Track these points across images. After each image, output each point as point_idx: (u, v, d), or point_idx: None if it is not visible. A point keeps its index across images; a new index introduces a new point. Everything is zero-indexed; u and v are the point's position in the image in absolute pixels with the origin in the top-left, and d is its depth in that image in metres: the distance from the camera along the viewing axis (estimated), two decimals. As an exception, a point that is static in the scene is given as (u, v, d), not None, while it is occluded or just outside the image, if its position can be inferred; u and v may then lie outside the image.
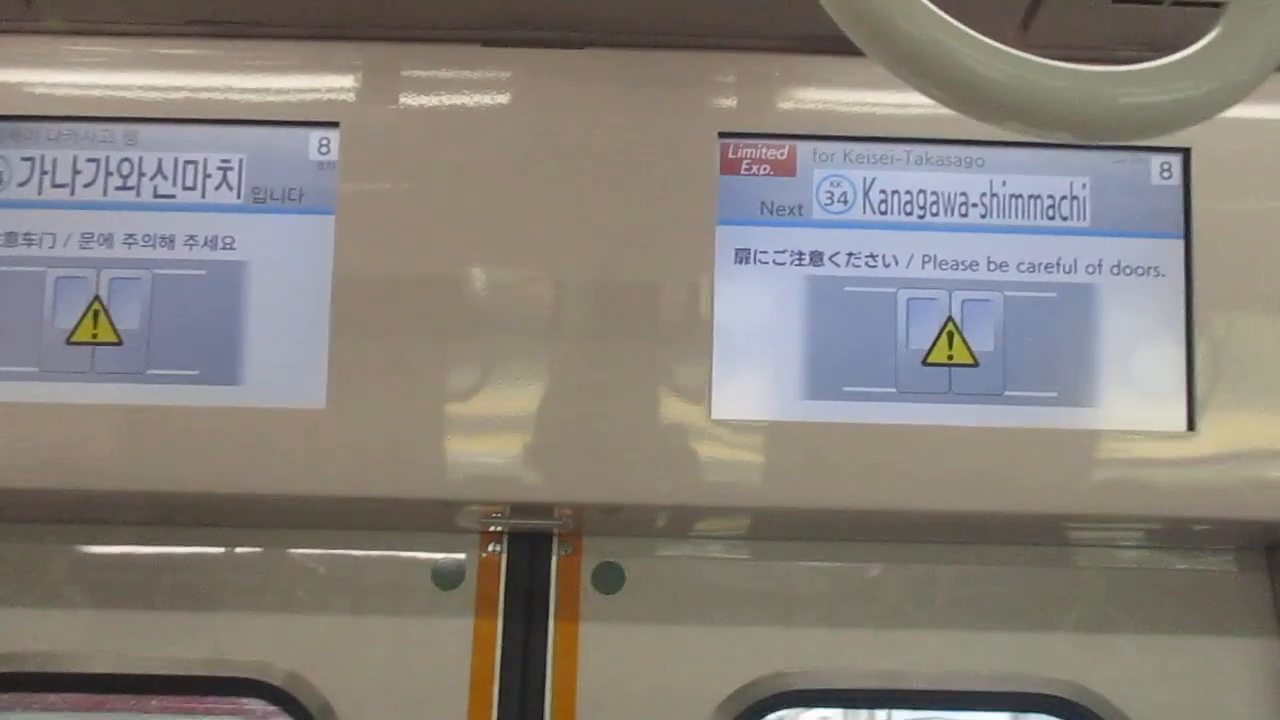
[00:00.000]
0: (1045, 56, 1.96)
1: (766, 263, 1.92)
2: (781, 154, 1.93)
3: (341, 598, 2.04)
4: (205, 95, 1.92)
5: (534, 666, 1.99)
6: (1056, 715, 2.06)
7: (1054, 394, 1.90)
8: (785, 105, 1.95)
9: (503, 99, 1.94)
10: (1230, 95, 1.03)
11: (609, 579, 2.04)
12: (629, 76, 1.94)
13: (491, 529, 2.04)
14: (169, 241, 1.91)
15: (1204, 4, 1.83)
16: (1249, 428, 1.90)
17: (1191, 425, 1.89)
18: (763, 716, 2.04)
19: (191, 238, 1.91)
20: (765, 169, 1.93)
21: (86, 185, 1.92)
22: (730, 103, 1.95)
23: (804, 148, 1.93)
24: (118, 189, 1.92)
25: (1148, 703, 2.01)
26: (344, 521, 2.02)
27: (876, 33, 1.00)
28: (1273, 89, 1.95)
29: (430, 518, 2.00)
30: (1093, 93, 1.02)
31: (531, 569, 2.04)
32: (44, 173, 1.92)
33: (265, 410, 1.85)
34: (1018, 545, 2.07)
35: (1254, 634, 2.04)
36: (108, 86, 1.93)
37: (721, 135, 1.92)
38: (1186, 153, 1.93)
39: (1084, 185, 1.94)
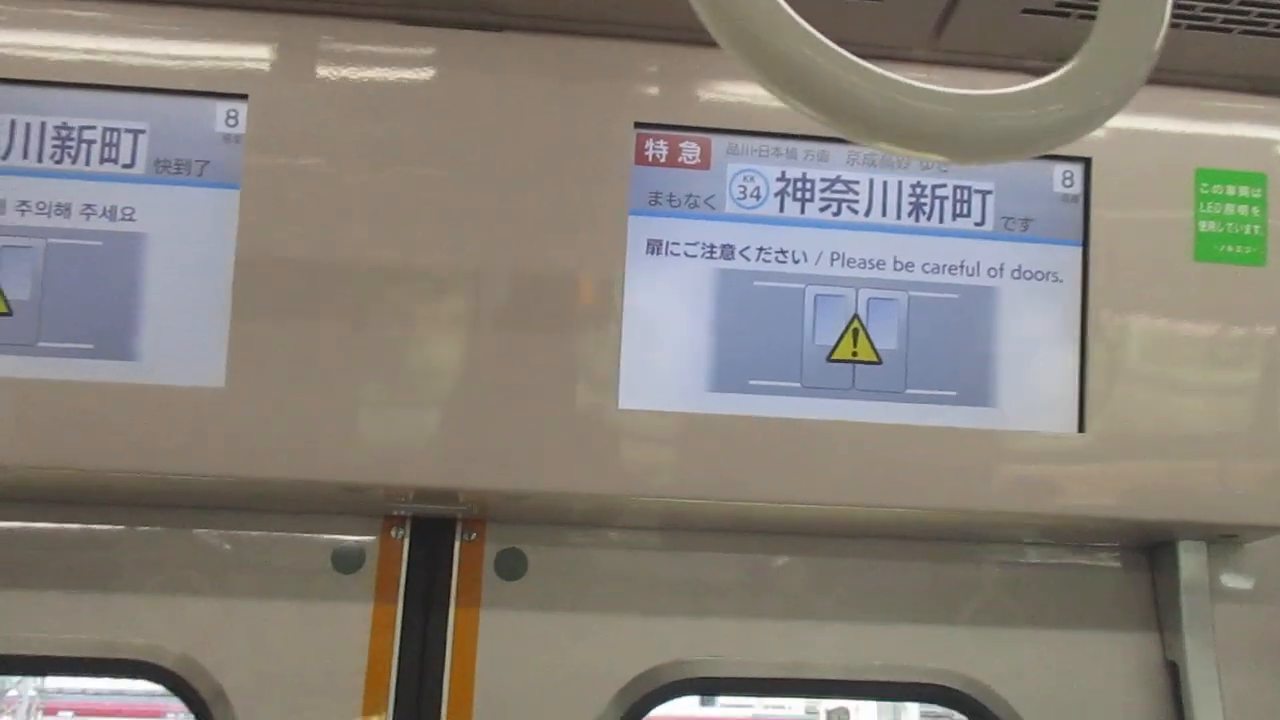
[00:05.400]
0: (957, 64, 2.02)
1: (678, 254, 1.92)
2: (696, 147, 1.94)
3: (238, 579, 2.00)
4: (110, 60, 1.86)
5: (432, 652, 1.98)
6: (947, 705, 2.13)
7: (954, 393, 1.95)
8: (702, 98, 1.95)
9: (418, 79, 1.91)
10: (1094, 119, 1.07)
11: (512, 565, 2.04)
12: (547, 62, 1.92)
13: (394, 513, 2.02)
14: (65, 210, 1.85)
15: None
16: (1135, 432, 1.96)
17: (1082, 427, 1.95)
18: (660, 704, 2.06)
19: (89, 207, 1.85)
20: (680, 161, 1.94)
21: None
22: (647, 94, 1.95)
23: (719, 141, 1.94)
24: (12, 154, 1.85)
25: (1033, 694, 2.08)
26: (243, 503, 1.98)
27: (748, 47, 1.01)
28: (1172, 103, 2.05)
29: (332, 501, 1.97)
30: (963, 115, 1.04)
31: (434, 554, 2.03)
32: (-68, 134, 1.84)
33: (162, 388, 1.81)
34: (914, 540, 2.12)
35: (1135, 630, 2.12)
36: (6, 46, 1.86)
37: (638, 125, 1.92)
38: (1088, 162, 1.99)
39: (989, 190, 1.98)
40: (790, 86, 1.00)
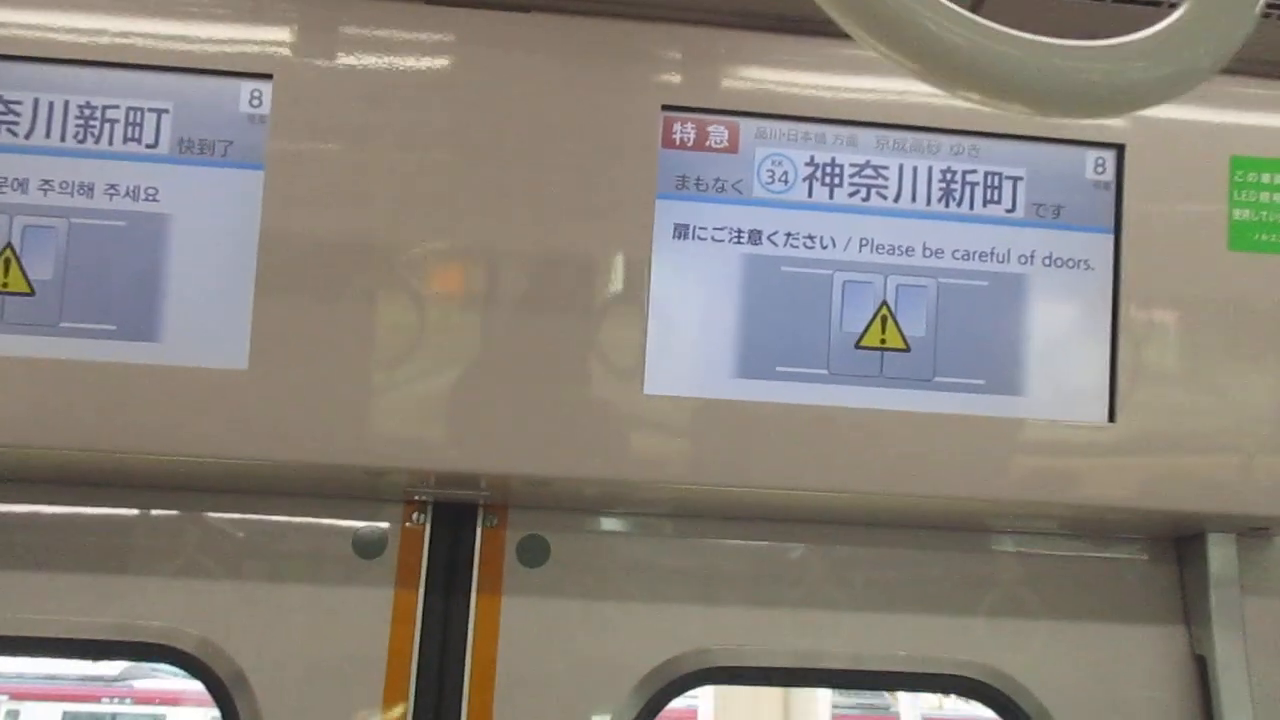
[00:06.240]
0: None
1: (705, 239, 1.90)
2: (725, 130, 1.92)
3: (259, 564, 1.99)
4: (133, 39, 1.84)
5: (454, 639, 1.97)
6: (971, 697, 2.11)
7: (982, 381, 1.93)
8: (730, 82, 1.93)
9: (443, 60, 1.89)
10: (1189, 79, 1.03)
11: (533, 552, 2.02)
12: (574, 44, 1.90)
13: (416, 498, 2.01)
14: (88, 190, 1.83)
15: (1144, 1, 1.86)
16: (1166, 422, 1.94)
17: (1112, 417, 1.93)
18: (682, 692, 2.05)
19: (112, 187, 1.83)
20: (708, 145, 1.91)
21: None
22: (675, 76, 1.93)
23: (747, 125, 1.92)
24: (35, 133, 1.83)
25: (1058, 686, 2.06)
26: (264, 487, 1.97)
27: None
28: (1206, 89, 2.01)
29: (353, 485, 1.96)
30: (1052, 65, 1.00)
31: (455, 540, 2.02)
32: (-45, 112, 1.83)
33: (184, 369, 1.79)
34: (937, 530, 2.10)
35: (1161, 623, 2.10)
36: (28, 26, 1.84)
37: (665, 108, 1.90)
38: (1121, 149, 1.96)
39: (1020, 176, 1.96)
40: (877, 29, 0.96)
